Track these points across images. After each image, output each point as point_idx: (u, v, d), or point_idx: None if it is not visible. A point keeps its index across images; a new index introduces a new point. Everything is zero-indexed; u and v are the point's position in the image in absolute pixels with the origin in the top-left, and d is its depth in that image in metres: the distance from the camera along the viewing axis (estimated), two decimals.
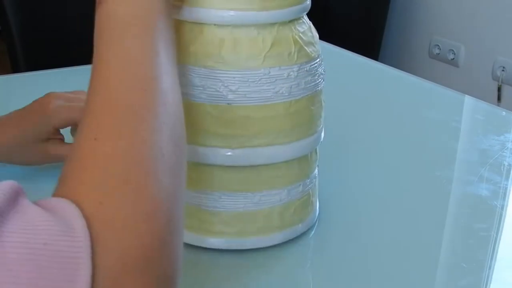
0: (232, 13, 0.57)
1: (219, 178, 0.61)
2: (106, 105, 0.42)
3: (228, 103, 0.58)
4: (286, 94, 0.59)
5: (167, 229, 0.39)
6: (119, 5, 0.48)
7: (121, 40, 0.46)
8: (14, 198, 0.35)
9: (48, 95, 0.72)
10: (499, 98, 2.26)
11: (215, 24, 0.57)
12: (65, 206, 0.36)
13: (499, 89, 2.26)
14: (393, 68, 1.20)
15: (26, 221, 0.34)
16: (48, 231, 0.34)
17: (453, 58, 2.38)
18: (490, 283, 0.63)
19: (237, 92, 0.57)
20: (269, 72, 0.58)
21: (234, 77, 0.57)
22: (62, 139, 0.72)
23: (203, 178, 0.61)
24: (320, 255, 0.66)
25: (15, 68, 1.56)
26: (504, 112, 1.02)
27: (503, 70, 2.23)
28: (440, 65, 2.44)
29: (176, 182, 0.42)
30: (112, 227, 0.37)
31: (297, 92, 0.60)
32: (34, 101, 0.72)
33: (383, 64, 1.25)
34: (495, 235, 0.69)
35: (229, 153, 0.59)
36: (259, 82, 0.58)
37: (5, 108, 0.96)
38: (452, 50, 2.38)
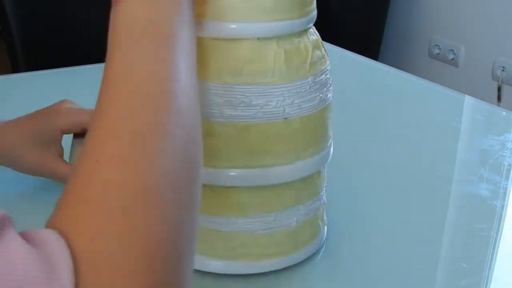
0: (275, 24, 0.54)
1: (275, 198, 0.58)
2: (112, 124, 0.38)
3: (285, 118, 0.56)
4: (325, 99, 0.59)
5: (169, 270, 0.35)
6: (138, 6, 0.43)
7: (135, 47, 0.42)
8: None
9: (61, 100, 0.72)
10: (499, 98, 2.26)
11: (258, 38, 0.54)
12: (54, 241, 0.33)
13: (499, 89, 2.26)
14: (393, 68, 1.20)
15: (5, 258, 0.31)
16: (27, 272, 0.31)
17: (453, 58, 2.38)
18: (490, 283, 0.63)
19: (293, 105, 0.56)
20: (315, 79, 0.57)
21: (289, 90, 0.55)
22: (61, 154, 0.71)
23: (260, 201, 0.58)
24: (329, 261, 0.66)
25: (15, 68, 1.56)
26: (504, 112, 1.02)
27: (503, 70, 2.23)
28: (440, 65, 2.44)
29: (185, 214, 0.38)
30: (101, 270, 0.33)
31: (329, 95, 0.60)
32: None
33: (383, 64, 1.25)
34: (495, 235, 0.69)
35: (285, 169, 0.57)
36: (309, 90, 0.56)
37: (5, 108, 0.96)
38: (452, 50, 2.38)
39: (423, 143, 0.91)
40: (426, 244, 0.67)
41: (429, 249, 0.67)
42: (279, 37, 0.55)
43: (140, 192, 0.36)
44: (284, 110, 0.55)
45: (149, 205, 0.36)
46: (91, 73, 1.17)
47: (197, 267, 0.58)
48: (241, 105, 0.54)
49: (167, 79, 0.41)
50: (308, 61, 0.56)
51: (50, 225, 0.35)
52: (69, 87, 1.04)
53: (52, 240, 0.33)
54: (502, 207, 0.74)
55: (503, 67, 2.23)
